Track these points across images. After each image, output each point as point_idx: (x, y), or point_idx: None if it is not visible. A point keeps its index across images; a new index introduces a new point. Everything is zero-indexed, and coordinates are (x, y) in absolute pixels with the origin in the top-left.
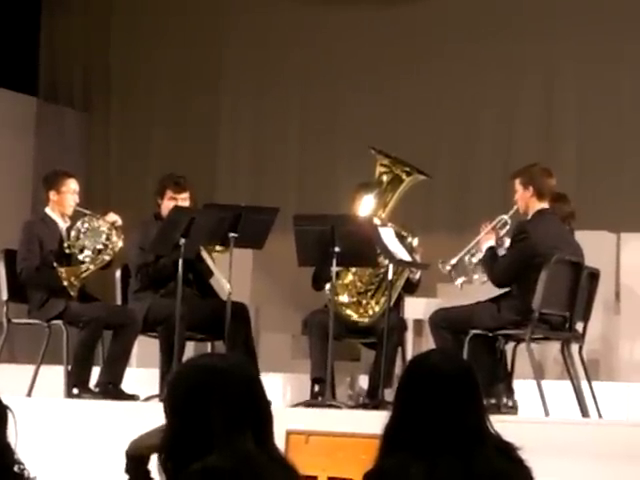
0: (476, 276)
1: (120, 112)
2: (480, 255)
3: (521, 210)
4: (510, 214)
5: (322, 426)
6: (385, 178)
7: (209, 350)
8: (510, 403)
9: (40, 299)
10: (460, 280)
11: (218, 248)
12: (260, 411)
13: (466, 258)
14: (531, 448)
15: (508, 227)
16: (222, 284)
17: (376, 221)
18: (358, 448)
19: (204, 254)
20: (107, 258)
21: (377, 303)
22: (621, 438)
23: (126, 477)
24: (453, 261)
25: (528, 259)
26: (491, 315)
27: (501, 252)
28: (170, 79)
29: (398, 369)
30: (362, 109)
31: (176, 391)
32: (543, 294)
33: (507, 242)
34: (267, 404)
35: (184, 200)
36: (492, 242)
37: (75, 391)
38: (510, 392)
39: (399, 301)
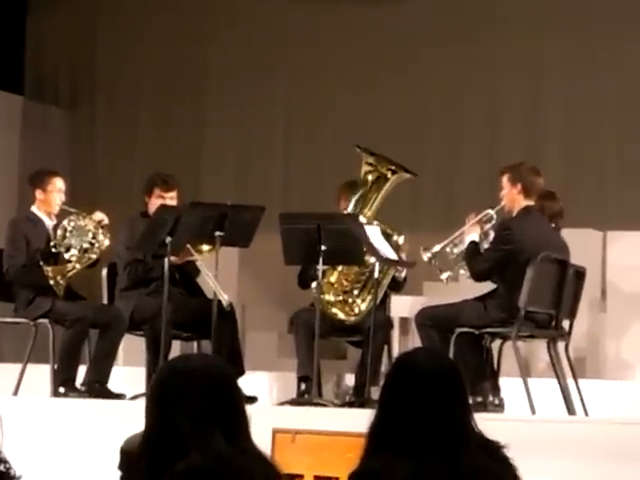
0: (462, 271)
1: (106, 110)
2: (462, 247)
3: (507, 207)
4: (496, 209)
5: (308, 424)
6: (370, 177)
7: (195, 349)
8: (496, 401)
9: (26, 298)
10: (445, 275)
11: (205, 248)
12: (228, 410)
13: (448, 248)
14: (517, 446)
15: (493, 222)
16: (219, 296)
17: (362, 219)
18: (344, 446)
19: (200, 265)
20: (93, 257)
21: (363, 301)
22: (607, 436)
23: (119, 473)
24: (435, 249)
25: (509, 255)
26: (477, 313)
27: (484, 246)
28: (156, 77)
29: (384, 367)
30: (347, 108)
31: (147, 394)
32: (529, 292)
33: (491, 236)
34: (237, 402)
35: (172, 199)
36: (476, 236)
37: (61, 390)
38: (496, 390)
39: (385, 299)
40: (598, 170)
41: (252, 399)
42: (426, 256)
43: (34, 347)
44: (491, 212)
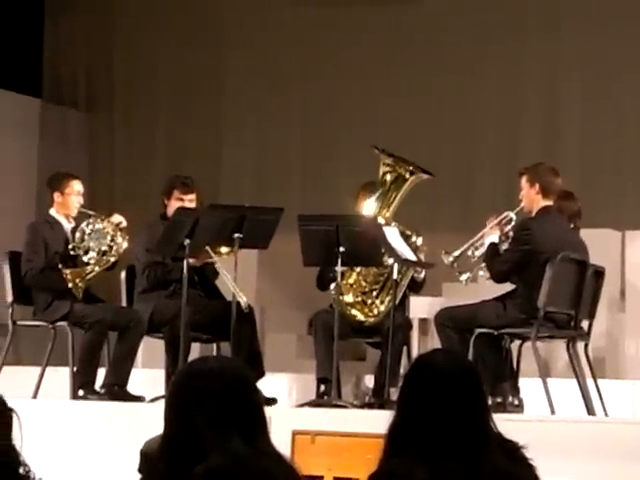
0: (481, 272)
1: (124, 113)
2: (483, 249)
3: (526, 208)
4: (516, 211)
5: (328, 426)
6: (389, 177)
7: (214, 351)
8: (516, 402)
9: (45, 301)
10: (465, 276)
11: (224, 250)
12: (247, 411)
13: (469, 252)
14: (537, 446)
15: (513, 223)
16: (238, 297)
17: (380, 220)
18: (364, 448)
19: (218, 267)
20: (112, 259)
21: (382, 302)
22: (627, 436)
23: (139, 476)
24: (456, 253)
25: (528, 256)
26: (496, 314)
27: (503, 247)
28: (173, 79)
29: (404, 368)
30: (365, 109)
31: (166, 397)
32: (548, 292)
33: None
34: (256, 403)
35: (191, 201)
36: (496, 237)
37: (81, 393)
38: (516, 390)
39: (404, 300)
40: (616, 170)
41: (272, 400)
42: (448, 260)
43: (53, 350)
44: (511, 214)
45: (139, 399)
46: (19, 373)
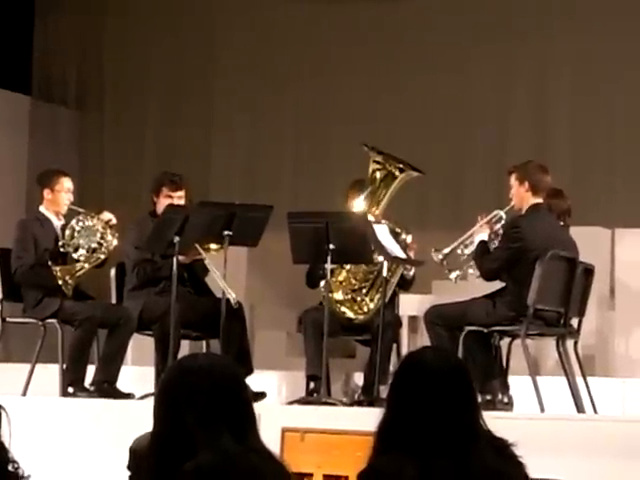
0: (471, 271)
1: (114, 111)
2: (472, 247)
3: (516, 206)
4: (506, 210)
5: (317, 423)
6: (378, 175)
7: (204, 348)
8: (505, 399)
9: (35, 298)
10: (454, 274)
11: (213, 247)
12: (236, 408)
13: (459, 249)
14: (526, 444)
15: (503, 222)
16: (228, 294)
17: (370, 218)
18: (353, 445)
19: (207, 263)
20: (102, 257)
21: (372, 300)
22: (616, 434)
23: (128, 473)
24: (446, 250)
25: (518, 253)
26: (486, 311)
27: (493, 246)
28: (164, 78)
29: (393, 366)
30: (357, 108)
31: (156, 394)
32: (538, 290)
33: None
34: (245, 401)
35: (180, 198)
36: (485, 236)
37: (70, 390)
38: (505, 388)
39: (394, 298)
40: (607, 168)
41: (261, 395)
42: (437, 257)
43: (43, 347)
44: (501, 212)
45: (129, 396)
46: (8, 370)
